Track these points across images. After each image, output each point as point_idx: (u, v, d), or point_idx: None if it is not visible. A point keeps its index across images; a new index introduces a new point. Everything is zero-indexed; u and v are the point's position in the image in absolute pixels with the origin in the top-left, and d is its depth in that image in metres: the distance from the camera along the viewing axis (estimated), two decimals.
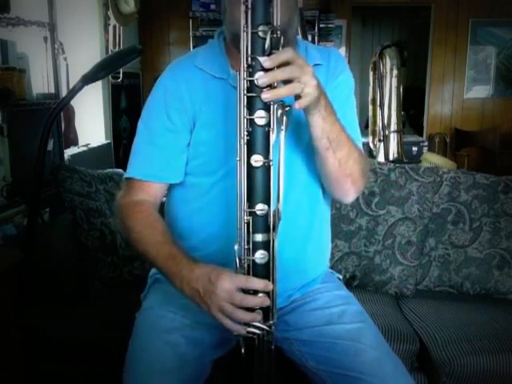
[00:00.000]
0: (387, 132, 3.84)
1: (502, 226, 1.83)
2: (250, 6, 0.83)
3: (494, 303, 1.76)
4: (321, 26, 4.68)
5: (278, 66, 0.85)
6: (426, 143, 4.44)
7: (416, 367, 1.51)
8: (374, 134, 4.06)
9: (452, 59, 5.08)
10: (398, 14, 6.37)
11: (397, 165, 1.92)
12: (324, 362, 1.10)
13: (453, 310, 1.68)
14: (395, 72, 3.86)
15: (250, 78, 0.85)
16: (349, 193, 1.11)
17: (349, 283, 1.81)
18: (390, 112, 3.89)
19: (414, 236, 1.80)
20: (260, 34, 0.84)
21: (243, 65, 0.85)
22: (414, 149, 4.22)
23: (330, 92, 1.02)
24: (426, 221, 1.82)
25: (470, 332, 1.53)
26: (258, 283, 0.90)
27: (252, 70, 0.85)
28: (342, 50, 4.97)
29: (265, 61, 0.84)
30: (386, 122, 3.85)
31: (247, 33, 0.84)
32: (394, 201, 1.82)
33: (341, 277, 1.36)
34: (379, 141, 3.89)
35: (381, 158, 3.78)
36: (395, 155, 3.90)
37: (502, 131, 4.83)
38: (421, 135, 5.21)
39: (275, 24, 0.84)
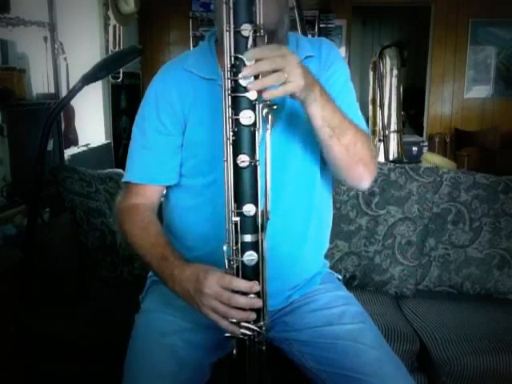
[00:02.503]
0: (387, 132, 3.85)
1: (502, 225, 1.83)
2: (231, 6, 0.82)
3: (494, 303, 1.76)
4: (321, 25, 4.67)
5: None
6: (425, 143, 4.44)
7: (416, 367, 1.51)
8: (374, 134, 4.06)
9: (452, 59, 5.08)
10: (398, 13, 6.37)
11: (397, 165, 1.92)
12: (324, 363, 1.10)
13: (453, 310, 1.68)
14: (395, 72, 3.86)
15: (234, 78, 0.84)
16: (363, 177, 1.09)
17: (349, 283, 1.81)
18: (389, 112, 3.90)
19: (414, 236, 1.80)
20: (243, 32, 0.83)
21: (227, 64, 0.85)
22: (414, 149, 4.22)
23: (325, 83, 1.01)
24: (425, 221, 1.82)
25: (470, 332, 1.53)
26: (242, 284, 0.90)
27: (236, 69, 0.84)
28: (342, 50, 4.97)
29: (246, 53, 0.83)
30: (386, 121, 3.85)
31: (230, 32, 0.84)
32: (394, 201, 1.82)
33: (340, 277, 1.36)
34: (379, 141, 3.89)
35: (381, 158, 3.78)
36: (395, 155, 3.90)
37: (502, 131, 4.83)
38: (421, 135, 5.20)
39: (258, 23, 0.84)
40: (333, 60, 1.16)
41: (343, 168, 1.07)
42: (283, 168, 1.09)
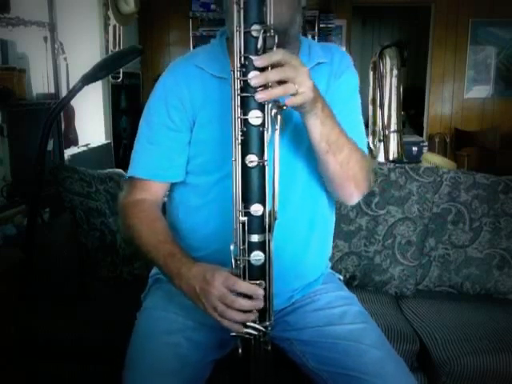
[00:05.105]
0: (387, 132, 3.84)
1: (501, 225, 1.83)
2: (242, 6, 0.83)
3: (494, 303, 1.76)
4: (321, 25, 4.68)
5: (272, 67, 0.85)
6: (425, 143, 4.43)
7: (416, 367, 1.51)
8: (373, 134, 4.06)
9: (452, 59, 5.08)
10: (398, 13, 6.37)
11: (397, 165, 1.92)
12: (325, 362, 1.10)
13: (453, 310, 1.68)
14: (395, 72, 3.85)
15: (244, 78, 0.85)
16: (353, 195, 1.11)
17: (349, 283, 1.80)
18: (389, 112, 3.89)
19: (414, 236, 1.80)
20: (253, 33, 0.83)
21: (236, 64, 0.85)
22: (414, 149, 4.22)
23: (333, 90, 1.01)
24: (426, 221, 1.82)
25: (470, 332, 1.53)
26: (247, 288, 0.90)
27: (245, 69, 0.84)
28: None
29: (256, 60, 0.83)
30: (385, 121, 3.85)
31: (240, 32, 0.84)
32: (394, 201, 1.82)
33: (341, 277, 1.36)
34: (379, 141, 3.89)
35: (381, 158, 3.78)
36: (395, 155, 3.89)
37: (502, 131, 4.83)
38: (421, 135, 5.20)
39: (268, 23, 0.84)
40: (344, 69, 1.16)
41: (335, 183, 1.09)
42: (292, 171, 1.09)
